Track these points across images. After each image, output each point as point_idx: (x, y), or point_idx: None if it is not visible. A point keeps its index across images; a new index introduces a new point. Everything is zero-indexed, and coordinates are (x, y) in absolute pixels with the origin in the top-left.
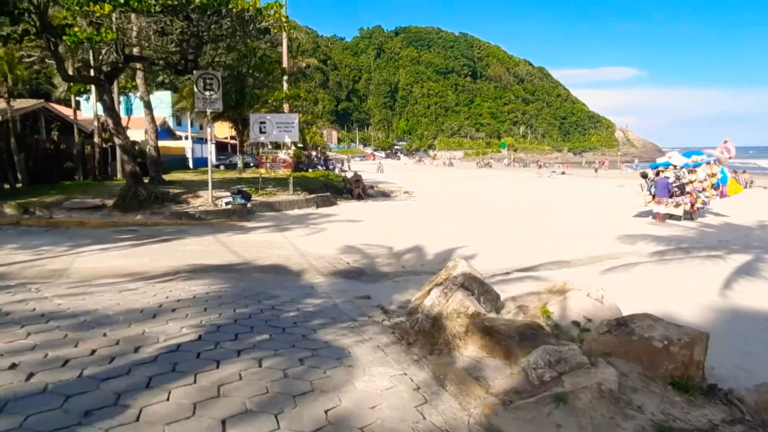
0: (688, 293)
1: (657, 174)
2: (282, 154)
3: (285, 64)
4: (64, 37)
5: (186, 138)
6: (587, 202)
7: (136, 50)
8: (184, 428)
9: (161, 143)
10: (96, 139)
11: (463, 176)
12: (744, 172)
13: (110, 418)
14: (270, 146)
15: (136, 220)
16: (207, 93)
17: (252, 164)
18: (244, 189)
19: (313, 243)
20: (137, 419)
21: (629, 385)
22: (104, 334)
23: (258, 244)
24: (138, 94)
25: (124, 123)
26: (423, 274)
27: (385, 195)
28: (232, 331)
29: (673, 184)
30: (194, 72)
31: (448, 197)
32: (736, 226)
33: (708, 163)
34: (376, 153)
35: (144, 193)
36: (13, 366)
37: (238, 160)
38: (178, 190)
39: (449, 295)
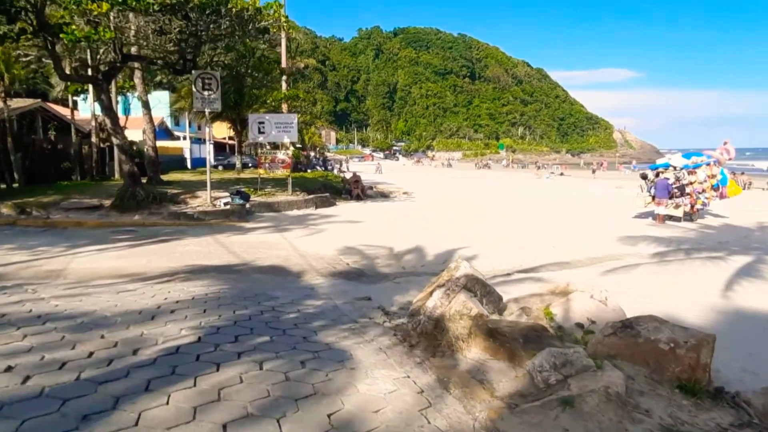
0: (690, 295)
1: (657, 175)
2: (281, 155)
3: (284, 64)
4: (62, 36)
5: (184, 138)
6: (587, 203)
7: (134, 49)
8: None
9: (159, 143)
10: (93, 139)
11: (462, 177)
12: (743, 173)
13: (108, 422)
14: (269, 146)
15: (134, 220)
16: (205, 93)
17: (250, 165)
18: (243, 189)
19: (313, 244)
20: (136, 424)
21: (636, 388)
22: (102, 336)
23: (257, 245)
24: (136, 94)
25: (121, 123)
26: (423, 275)
27: (384, 196)
28: (231, 333)
29: (673, 186)
30: (193, 72)
31: (447, 198)
32: (735, 227)
33: (708, 164)
34: (374, 154)
35: (142, 193)
36: (8, 369)
37: (237, 160)
38: (176, 191)
39: (452, 297)
